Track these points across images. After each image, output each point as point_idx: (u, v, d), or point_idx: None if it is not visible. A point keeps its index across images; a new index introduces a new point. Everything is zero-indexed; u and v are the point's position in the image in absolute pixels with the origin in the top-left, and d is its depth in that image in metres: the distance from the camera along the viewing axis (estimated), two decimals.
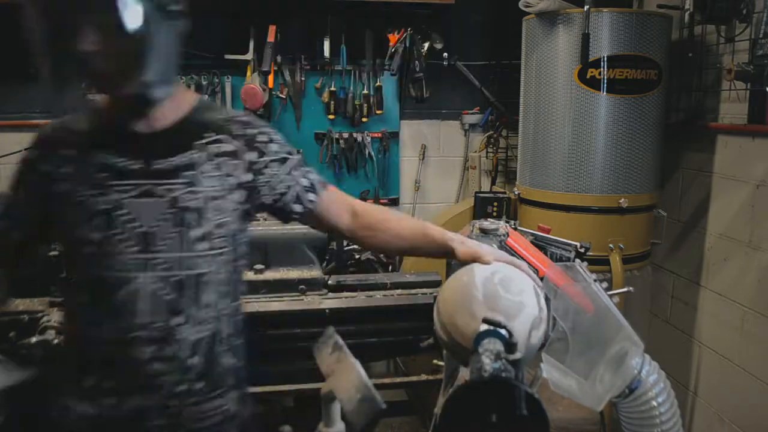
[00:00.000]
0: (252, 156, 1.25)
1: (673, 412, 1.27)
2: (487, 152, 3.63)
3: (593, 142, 2.55)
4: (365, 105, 3.49)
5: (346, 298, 2.04)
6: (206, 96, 3.35)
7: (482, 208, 2.96)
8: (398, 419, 3.19)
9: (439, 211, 3.59)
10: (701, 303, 2.80)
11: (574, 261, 1.51)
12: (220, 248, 1.20)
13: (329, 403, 0.98)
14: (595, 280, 1.36)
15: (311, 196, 1.31)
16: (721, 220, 2.67)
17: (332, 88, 3.49)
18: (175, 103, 1.20)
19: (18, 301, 2.10)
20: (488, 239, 1.48)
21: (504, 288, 1.10)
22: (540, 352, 1.18)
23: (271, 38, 3.18)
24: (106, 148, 1.17)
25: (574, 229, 2.47)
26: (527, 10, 2.60)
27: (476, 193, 3.19)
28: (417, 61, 3.32)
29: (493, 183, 3.62)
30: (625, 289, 1.65)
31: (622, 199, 2.56)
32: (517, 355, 0.89)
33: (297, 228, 2.13)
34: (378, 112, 3.49)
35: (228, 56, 3.30)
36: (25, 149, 1.22)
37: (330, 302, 2.01)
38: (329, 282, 2.10)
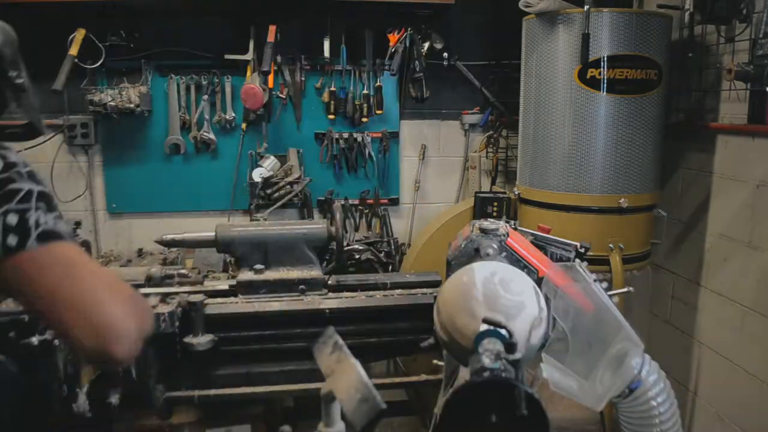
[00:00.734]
0: None
1: (673, 412, 1.27)
2: (487, 152, 3.63)
3: (593, 142, 2.55)
4: (365, 105, 3.49)
5: (346, 298, 2.04)
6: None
7: (482, 208, 2.96)
8: (398, 419, 3.19)
9: (439, 211, 3.59)
10: (701, 303, 2.80)
11: (574, 261, 1.51)
12: None
13: (329, 403, 0.98)
14: (595, 280, 1.36)
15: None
16: (721, 220, 2.67)
17: (332, 88, 3.49)
18: None
19: None
20: (488, 239, 1.48)
21: (504, 288, 1.10)
22: (540, 352, 1.18)
23: (271, 38, 3.18)
24: None
25: (574, 229, 2.47)
26: (527, 10, 2.60)
27: (476, 193, 3.19)
28: (417, 61, 3.32)
29: (493, 183, 3.62)
30: (625, 289, 1.65)
31: (622, 199, 2.56)
32: (517, 355, 0.89)
33: (297, 228, 2.14)
34: (378, 112, 3.49)
35: (228, 56, 3.30)
36: None
37: (330, 302, 2.01)
38: (329, 282, 2.10)
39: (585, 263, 1.47)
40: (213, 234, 2.50)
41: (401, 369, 3.29)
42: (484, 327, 0.97)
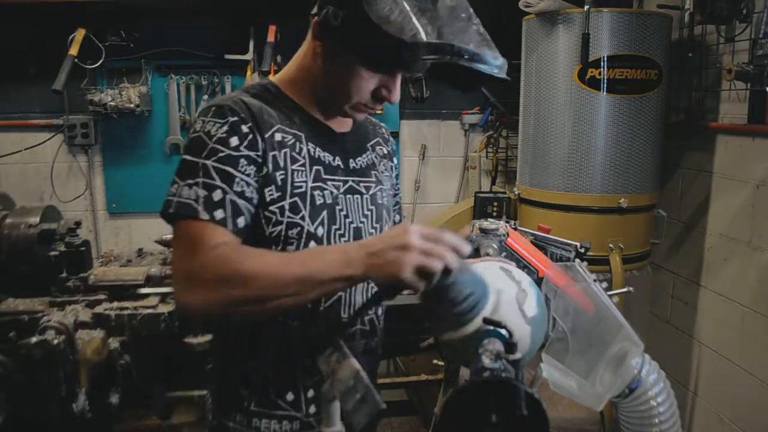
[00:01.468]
0: (394, 160, 1.37)
1: (673, 412, 1.27)
2: (487, 152, 3.63)
3: (593, 142, 2.55)
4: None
5: None
6: None
7: (482, 208, 2.95)
8: (398, 419, 3.19)
9: (439, 211, 3.59)
10: (701, 303, 2.80)
11: (574, 261, 1.50)
12: None
13: (329, 403, 0.99)
14: (595, 280, 1.36)
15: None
16: (721, 220, 2.67)
17: None
18: None
19: (18, 301, 2.10)
20: (488, 239, 1.48)
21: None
22: (540, 352, 1.18)
23: (271, 38, 3.18)
24: (317, 141, 1.16)
25: (574, 229, 2.46)
26: (527, 10, 2.60)
27: (476, 193, 3.18)
28: None
29: (493, 183, 3.62)
30: (625, 289, 1.65)
31: (622, 199, 2.56)
32: (517, 355, 0.89)
33: None
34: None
35: (228, 56, 3.30)
36: (224, 122, 1.06)
37: None
38: None
39: (585, 263, 1.47)
40: None
41: (401, 369, 3.29)
42: (483, 327, 0.97)
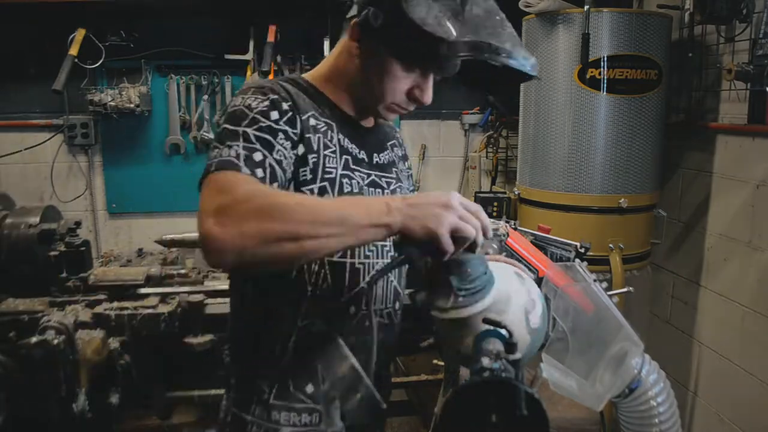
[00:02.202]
0: (406, 163, 1.41)
1: (673, 412, 1.27)
2: (487, 152, 3.63)
3: (593, 142, 2.55)
4: None
5: None
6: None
7: (482, 208, 2.95)
8: (398, 419, 3.19)
9: None
10: (701, 303, 2.80)
11: (574, 261, 1.51)
12: None
13: (329, 403, 0.98)
14: (595, 280, 1.36)
15: None
16: (721, 220, 2.67)
17: None
18: None
19: (18, 301, 2.10)
20: (488, 239, 1.48)
21: None
22: (540, 352, 1.18)
23: (271, 38, 3.18)
24: (343, 132, 1.19)
25: (574, 229, 2.46)
26: (527, 10, 2.60)
27: (476, 193, 3.19)
28: None
29: (493, 183, 3.62)
30: (625, 289, 1.65)
31: (622, 199, 2.56)
32: (517, 355, 0.89)
33: None
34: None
35: (228, 56, 3.30)
36: (265, 98, 1.09)
37: None
38: None
39: (585, 263, 1.47)
40: None
41: (401, 369, 3.29)
42: (483, 327, 0.97)
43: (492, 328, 0.94)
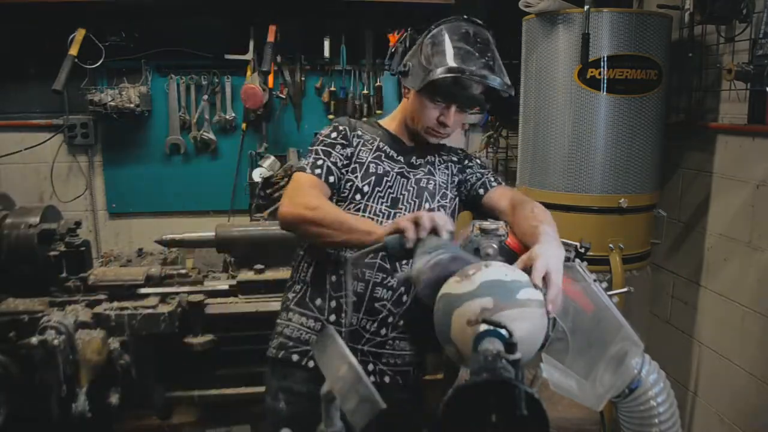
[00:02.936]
0: (466, 162, 1.80)
1: (673, 412, 1.27)
2: (487, 152, 3.63)
3: (593, 142, 2.55)
4: (365, 105, 3.49)
5: None
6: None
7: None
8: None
9: None
10: (701, 303, 2.80)
11: (574, 261, 1.50)
12: None
13: (329, 403, 0.98)
14: (595, 280, 1.36)
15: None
16: (721, 220, 2.67)
17: (332, 88, 3.49)
18: None
19: (18, 301, 2.10)
20: (488, 239, 1.47)
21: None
22: (540, 352, 1.18)
23: (271, 38, 3.18)
24: (389, 144, 1.71)
25: (574, 229, 2.45)
26: (527, 10, 2.60)
27: None
28: None
29: None
30: (625, 289, 1.65)
31: (622, 199, 2.56)
32: (517, 355, 0.89)
33: None
34: (378, 112, 3.48)
35: (228, 56, 3.31)
36: (331, 127, 1.71)
37: None
38: None
39: (585, 263, 1.47)
40: (213, 234, 2.50)
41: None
42: (483, 327, 0.97)
43: (492, 328, 0.94)
